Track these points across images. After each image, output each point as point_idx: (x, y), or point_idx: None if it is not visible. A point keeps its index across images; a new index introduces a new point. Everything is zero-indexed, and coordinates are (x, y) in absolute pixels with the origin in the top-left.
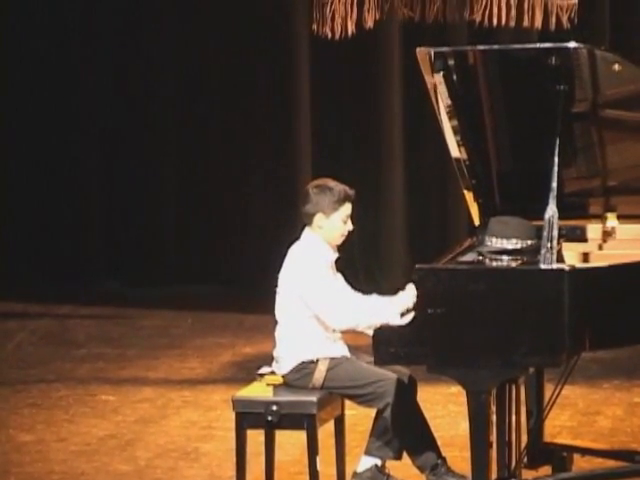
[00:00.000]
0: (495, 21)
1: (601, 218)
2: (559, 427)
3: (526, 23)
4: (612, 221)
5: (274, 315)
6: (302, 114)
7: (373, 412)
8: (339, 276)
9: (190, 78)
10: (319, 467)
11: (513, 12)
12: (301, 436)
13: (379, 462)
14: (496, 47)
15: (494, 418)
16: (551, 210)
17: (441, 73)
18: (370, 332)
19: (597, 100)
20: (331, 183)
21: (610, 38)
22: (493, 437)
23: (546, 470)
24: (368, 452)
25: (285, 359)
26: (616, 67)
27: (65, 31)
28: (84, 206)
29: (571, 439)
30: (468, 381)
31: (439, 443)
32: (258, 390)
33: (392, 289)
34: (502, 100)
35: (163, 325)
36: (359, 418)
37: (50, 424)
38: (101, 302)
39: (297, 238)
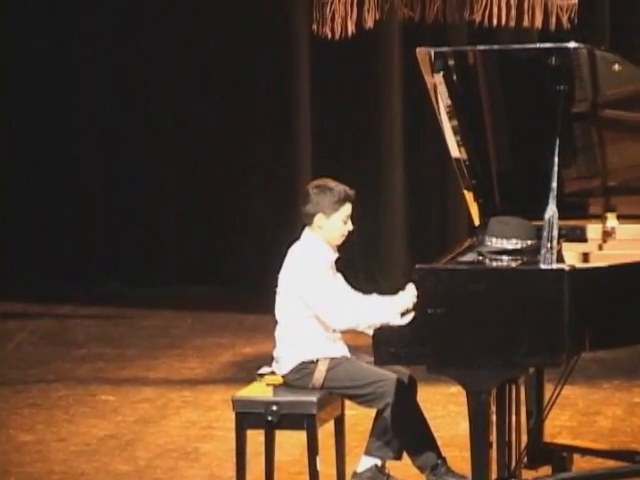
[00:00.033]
0: (495, 21)
1: (601, 218)
2: (559, 427)
3: (526, 23)
4: (612, 221)
5: (274, 315)
6: (302, 114)
7: (373, 412)
8: (339, 276)
9: (190, 78)
10: (319, 467)
11: (513, 12)
12: (301, 436)
13: (379, 462)
14: (496, 47)
15: (494, 418)
16: (551, 210)
17: (441, 73)
18: (370, 332)
19: (597, 100)
20: (331, 183)
21: (610, 38)
22: (493, 437)
23: (546, 470)
24: (368, 452)
25: (285, 359)
26: (616, 67)
27: (65, 31)
28: (84, 206)
29: (571, 439)
30: (468, 381)
31: (439, 443)
32: (258, 390)
33: (392, 289)
34: (502, 100)
35: (163, 325)
36: (359, 418)
37: (50, 424)
38: (101, 302)
39: (297, 238)
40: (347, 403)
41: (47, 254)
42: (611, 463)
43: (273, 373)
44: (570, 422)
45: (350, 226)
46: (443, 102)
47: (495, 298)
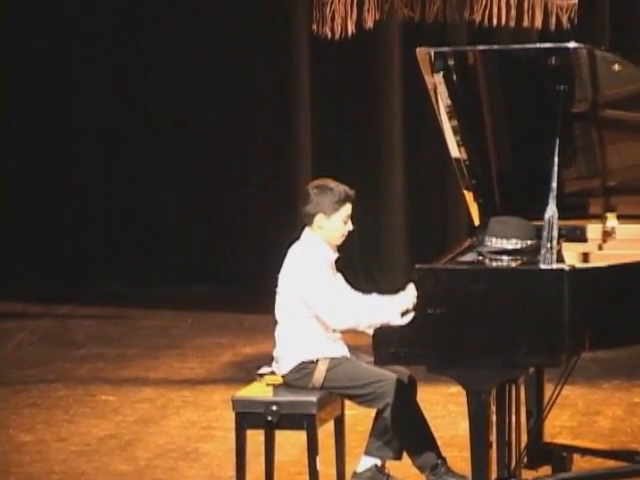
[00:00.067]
0: (495, 21)
1: (601, 218)
2: (559, 427)
3: (526, 23)
4: (612, 221)
5: (274, 315)
6: (302, 114)
7: (373, 412)
8: (339, 276)
9: (190, 78)
10: (319, 467)
11: (513, 12)
12: (301, 436)
13: (379, 462)
14: (496, 47)
15: (494, 418)
16: (551, 210)
17: (441, 73)
18: (370, 332)
19: (597, 100)
20: (331, 183)
21: (610, 38)
22: (493, 437)
23: (546, 470)
24: (368, 452)
25: (285, 359)
26: (616, 67)
27: (65, 31)
28: (84, 206)
29: (571, 439)
30: (468, 381)
31: (439, 443)
32: (258, 390)
33: (392, 289)
34: (502, 100)
35: (163, 325)
36: (359, 418)
37: (50, 424)
38: (101, 302)
39: (297, 238)
40: (347, 403)
41: (47, 254)
42: (611, 463)
43: (273, 373)
44: (570, 422)
45: (350, 226)
46: (443, 102)
47: (495, 298)
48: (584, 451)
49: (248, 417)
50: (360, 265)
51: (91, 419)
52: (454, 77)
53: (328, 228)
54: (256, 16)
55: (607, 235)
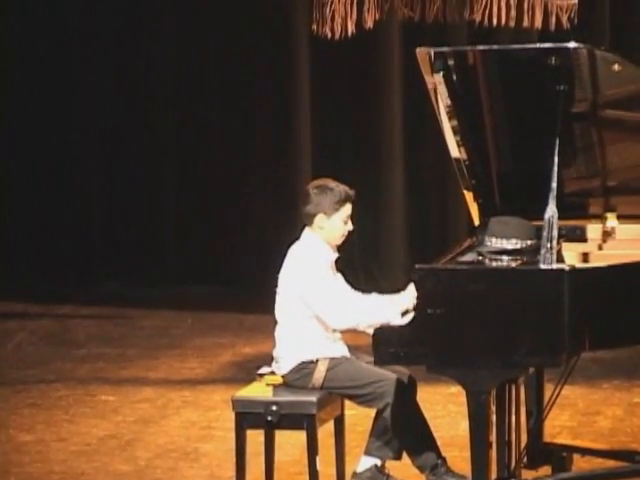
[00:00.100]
0: (495, 21)
1: (601, 218)
2: (559, 427)
3: (526, 23)
4: (612, 221)
5: (274, 315)
6: (302, 114)
7: (373, 412)
8: (339, 276)
9: (190, 78)
10: (319, 467)
11: (513, 12)
12: (301, 436)
13: (379, 462)
14: (496, 47)
15: (494, 418)
16: (551, 210)
17: (441, 73)
18: (370, 332)
19: (597, 100)
20: (332, 184)
21: (610, 38)
22: (493, 437)
23: (546, 470)
24: (368, 452)
25: (285, 359)
26: (616, 67)
27: (65, 31)
28: (84, 206)
29: (571, 439)
30: (468, 381)
31: (439, 443)
32: (258, 390)
33: (392, 289)
34: (502, 100)
35: (163, 325)
36: (359, 418)
37: (50, 424)
38: (101, 302)
39: (297, 238)
40: (347, 403)
41: (47, 254)
42: (611, 463)
43: (273, 373)
44: (570, 422)
45: (350, 226)
46: (443, 102)
47: (495, 298)
48: (584, 451)
49: (248, 417)
50: (360, 265)
51: (91, 419)
52: (454, 77)
53: (328, 228)
54: (256, 16)
55: (607, 235)
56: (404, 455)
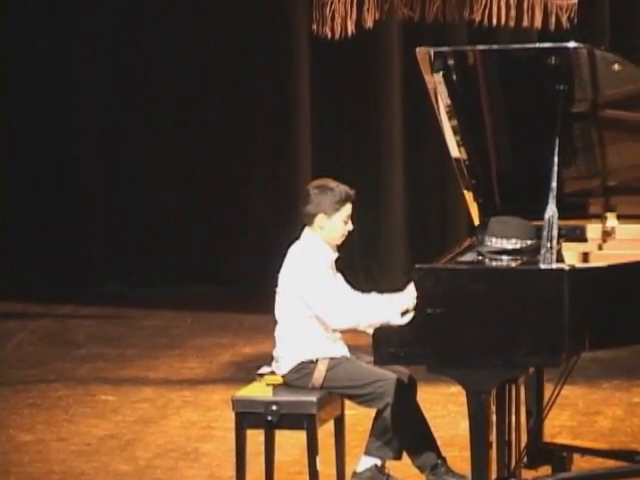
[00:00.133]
0: (495, 21)
1: (601, 218)
2: (559, 427)
3: (526, 23)
4: (612, 221)
5: (274, 315)
6: (302, 114)
7: (373, 412)
8: (339, 276)
9: (190, 78)
10: (319, 467)
11: (513, 12)
12: (301, 436)
13: (379, 462)
14: (496, 47)
15: (494, 418)
16: (551, 210)
17: (441, 73)
18: (370, 332)
19: (597, 100)
20: (332, 184)
21: (610, 38)
22: (493, 437)
23: (546, 470)
24: (368, 452)
25: (285, 359)
26: (616, 67)
27: (65, 31)
28: (84, 206)
29: (571, 439)
30: (468, 381)
31: (439, 443)
32: (258, 390)
33: (392, 289)
34: (502, 100)
35: (163, 325)
36: (359, 418)
37: (50, 424)
38: (101, 302)
39: (297, 238)
40: (347, 403)
41: (47, 254)
42: (611, 463)
43: (273, 373)
44: (570, 422)
45: (350, 226)
46: (443, 102)
47: (495, 298)
48: (584, 451)
49: (248, 417)
50: (360, 265)
51: (91, 419)
52: (454, 77)
53: (329, 228)
54: (256, 16)
55: (607, 235)
56: (404, 455)
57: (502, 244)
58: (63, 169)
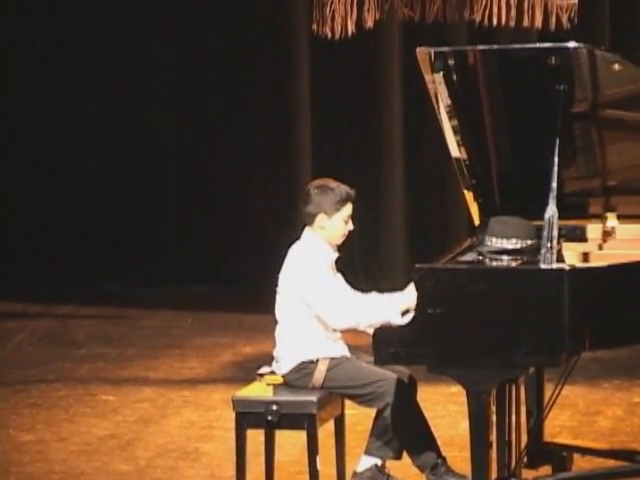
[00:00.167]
0: (495, 21)
1: (601, 218)
2: (559, 427)
3: (526, 23)
4: (612, 221)
5: (274, 315)
6: (302, 114)
7: (373, 412)
8: (339, 276)
9: (190, 78)
10: (319, 467)
11: (513, 12)
12: (301, 436)
13: (379, 462)
14: (496, 47)
15: (494, 418)
16: (551, 210)
17: (441, 73)
18: (370, 332)
19: (597, 100)
20: (332, 183)
21: (610, 38)
22: (493, 437)
23: (546, 470)
24: (368, 452)
25: (285, 359)
26: (616, 67)
27: (65, 31)
28: (84, 206)
29: (571, 439)
30: (468, 381)
31: (439, 443)
32: (258, 390)
33: (392, 289)
34: (502, 100)
35: (163, 325)
36: (359, 418)
37: (50, 424)
38: (101, 302)
39: (297, 238)
40: (347, 403)
41: (47, 254)
42: (611, 463)
43: (273, 373)
44: (570, 422)
45: (351, 226)
46: (443, 102)
47: (495, 298)
48: (584, 451)
49: (248, 417)
50: (360, 265)
51: (91, 419)
52: (454, 77)
53: (329, 228)
54: (256, 16)
55: (607, 235)
56: (404, 455)
57: (502, 244)
58: (63, 169)
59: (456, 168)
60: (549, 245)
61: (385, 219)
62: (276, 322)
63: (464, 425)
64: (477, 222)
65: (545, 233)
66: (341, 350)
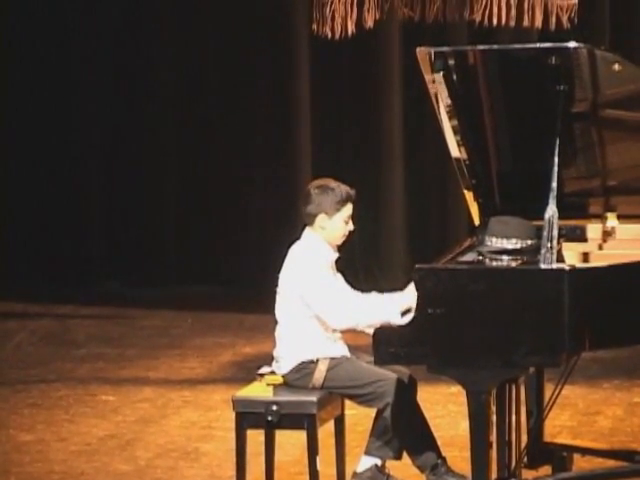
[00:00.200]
0: (495, 21)
1: (601, 218)
2: (559, 427)
3: (526, 23)
4: (612, 221)
5: (274, 315)
6: (302, 114)
7: (373, 412)
8: (339, 276)
9: (190, 78)
10: (319, 467)
11: (513, 12)
12: (301, 436)
13: (379, 462)
14: (496, 47)
15: (494, 418)
16: (551, 210)
17: (441, 73)
18: (370, 332)
19: (597, 100)
20: (333, 184)
21: (610, 38)
22: (493, 437)
23: (546, 470)
24: (368, 452)
25: (285, 359)
26: (616, 67)
27: (65, 31)
28: (84, 206)
29: (571, 439)
30: (468, 381)
31: (439, 443)
32: (258, 390)
33: (392, 289)
34: (502, 100)
35: (163, 325)
36: (359, 418)
37: (50, 424)
38: (101, 302)
39: (297, 238)
40: (347, 403)
41: (47, 254)
42: (611, 463)
43: (273, 373)
44: (570, 422)
45: (351, 226)
46: (443, 102)
47: (495, 298)
48: (584, 451)
49: (248, 417)
50: (360, 265)
51: (91, 419)
52: (454, 77)
53: (330, 228)
54: (256, 16)
55: (607, 235)
56: (404, 455)
57: (502, 244)
58: (63, 169)
59: (456, 168)
60: (549, 245)
61: (385, 219)
62: (276, 322)
63: (464, 425)
64: (477, 222)
65: (545, 233)
66: (341, 350)
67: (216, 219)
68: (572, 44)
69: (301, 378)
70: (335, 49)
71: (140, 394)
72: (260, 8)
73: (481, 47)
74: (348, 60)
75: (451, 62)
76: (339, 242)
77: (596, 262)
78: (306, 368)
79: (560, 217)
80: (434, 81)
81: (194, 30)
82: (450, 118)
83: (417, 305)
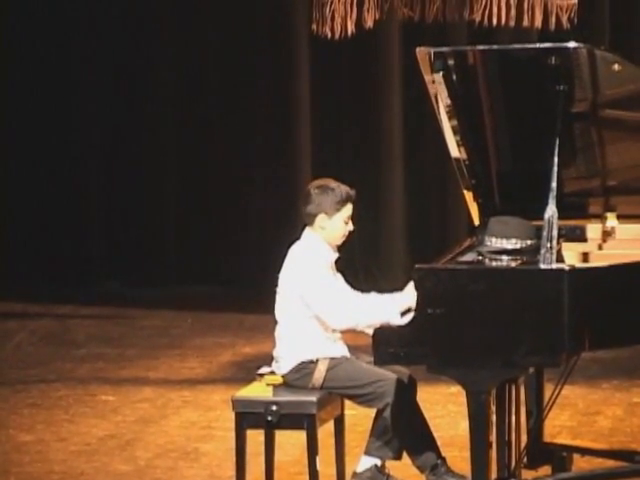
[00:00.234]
0: (495, 21)
1: (601, 218)
2: (559, 427)
3: (526, 23)
4: (612, 221)
5: (274, 315)
6: (302, 114)
7: (373, 412)
8: (339, 276)
9: (190, 78)
10: (319, 467)
11: (513, 12)
12: (301, 436)
13: (379, 462)
14: (496, 47)
15: (494, 418)
16: (551, 210)
17: (441, 73)
18: (370, 332)
19: (597, 100)
20: (333, 184)
21: (610, 38)
22: (493, 437)
23: (546, 470)
24: (368, 452)
25: (285, 359)
26: (616, 67)
27: (65, 31)
28: (84, 206)
29: (571, 439)
30: (468, 381)
31: (439, 443)
32: (258, 390)
33: (392, 289)
34: (502, 100)
35: (163, 325)
36: (359, 418)
37: (50, 424)
38: (101, 302)
39: (297, 238)
40: (347, 403)
41: (47, 254)
42: (611, 463)
43: (273, 373)
44: (570, 422)
45: (351, 226)
46: (443, 102)
47: (495, 298)
48: (584, 451)
49: (248, 417)
50: (360, 265)
51: (91, 419)
52: (454, 77)
53: (330, 228)
54: (256, 16)
55: (607, 235)
56: (404, 455)
57: (502, 244)
58: (63, 169)
59: (456, 168)
60: (549, 245)
61: (385, 219)
62: (276, 322)
63: (464, 425)
64: (477, 222)
65: (545, 233)
66: (341, 350)
67: (216, 219)
68: (572, 44)
69: (301, 378)
70: (335, 49)
71: (140, 394)
72: (260, 8)
73: (481, 47)
74: (348, 60)
75: (451, 62)
76: (339, 242)
77: (596, 262)
78: (306, 368)
79: (560, 217)
80: (434, 81)
81: (194, 30)
82: (450, 118)
83: (417, 305)
